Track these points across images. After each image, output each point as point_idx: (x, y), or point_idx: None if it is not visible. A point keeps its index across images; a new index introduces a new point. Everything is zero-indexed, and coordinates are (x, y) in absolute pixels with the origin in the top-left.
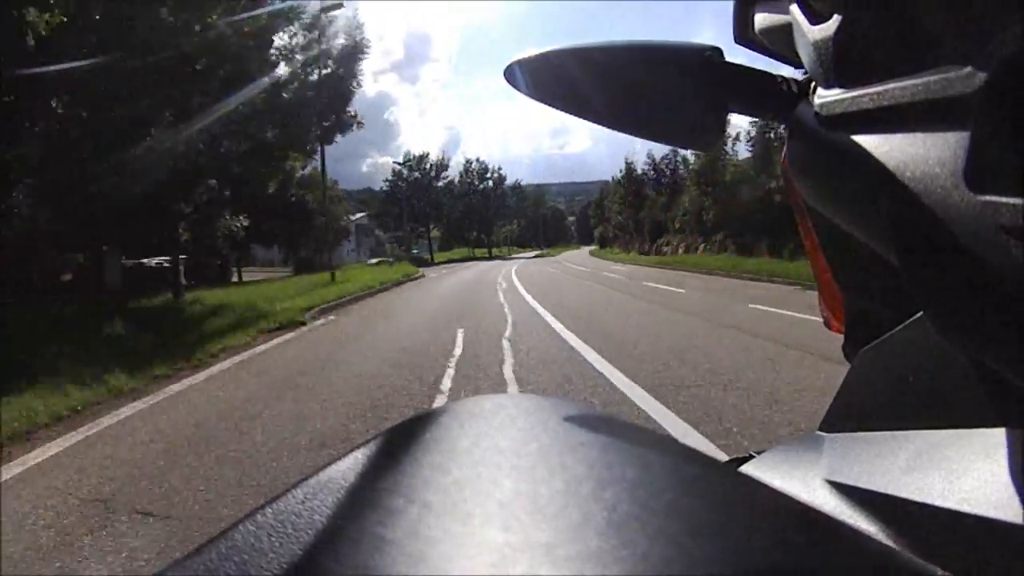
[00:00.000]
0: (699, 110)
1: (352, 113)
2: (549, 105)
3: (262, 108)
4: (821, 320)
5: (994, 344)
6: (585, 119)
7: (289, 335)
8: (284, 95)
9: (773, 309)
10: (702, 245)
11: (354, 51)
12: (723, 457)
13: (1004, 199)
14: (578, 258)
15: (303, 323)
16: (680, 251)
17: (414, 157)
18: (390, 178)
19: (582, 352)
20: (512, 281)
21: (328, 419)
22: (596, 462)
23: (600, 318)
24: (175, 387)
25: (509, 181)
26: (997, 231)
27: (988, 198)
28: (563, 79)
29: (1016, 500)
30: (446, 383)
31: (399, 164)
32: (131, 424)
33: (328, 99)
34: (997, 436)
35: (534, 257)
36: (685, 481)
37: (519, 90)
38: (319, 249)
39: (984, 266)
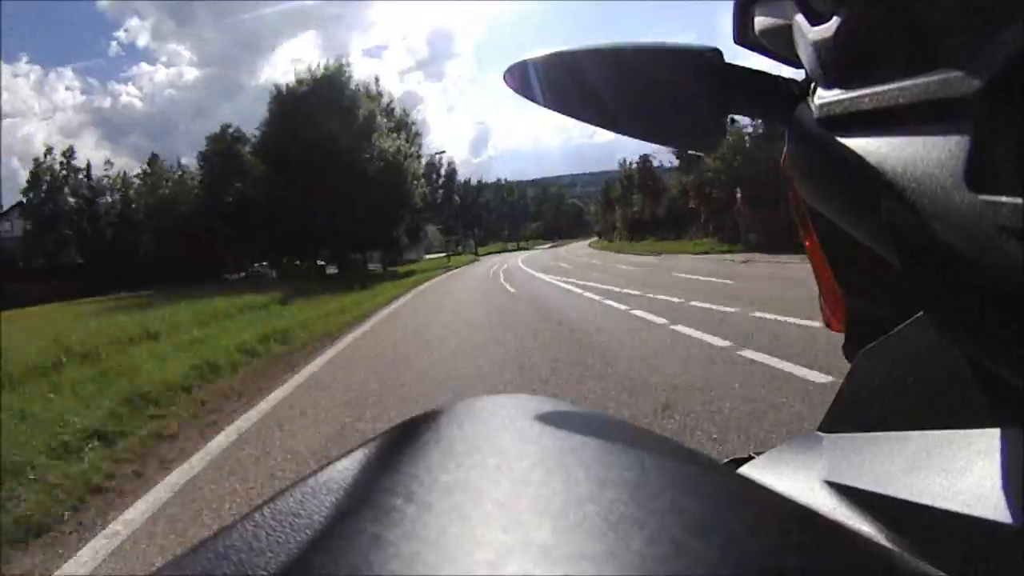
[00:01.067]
0: (699, 112)
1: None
2: (547, 108)
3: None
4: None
5: (994, 344)
6: (583, 121)
7: (460, 268)
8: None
9: (582, 259)
10: (623, 236)
11: (453, 171)
12: (722, 458)
13: (1004, 199)
14: (573, 247)
15: (462, 267)
16: (617, 240)
17: (461, 184)
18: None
19: (526, 268)
20: (518, 258)
21: (490, 270)
22: (595, 463)
23: (535, 263)
24: (439, 276)
25: (541, 173)
26: (997, 231)
27: (988, 198)
28: (561, 82)
29: (1016, 502)
30: (501, 268)
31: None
32: (432, 285)
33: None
34: (997, 436)
35: (548, 248)
36: (684, 482)
37: (518, 93)
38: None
39: (984, 266)
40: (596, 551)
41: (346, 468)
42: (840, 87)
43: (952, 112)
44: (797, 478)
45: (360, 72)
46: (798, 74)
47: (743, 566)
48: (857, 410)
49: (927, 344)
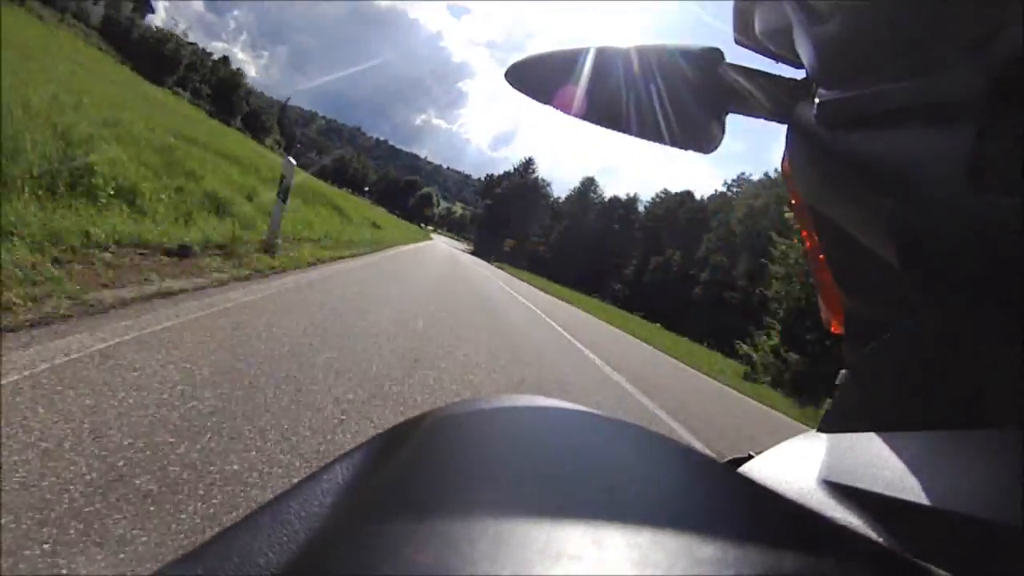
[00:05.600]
0: (700, 111)
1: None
2: (548, 106)
3: None
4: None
5: (994, 344)
6: (586, 120)
7: (447, 237)
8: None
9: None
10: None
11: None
12: (722, 458)
13: (1005, 199)
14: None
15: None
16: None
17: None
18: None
19: (454, 242)
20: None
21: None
22: (596, 462)
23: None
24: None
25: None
26: (998, 231)
27: (989, 198)
28: (564, 81)
29: (1015, 501)
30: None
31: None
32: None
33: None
34: (997, 436)
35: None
36: (684, 481)
37: (520, 92)
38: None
39: (985, 266)
40: (596, 550)
41: (345, 469)
42: (840, 87)
43: (953, 112)
44: (797, 478)
45: (432, 22)
46: (798, 74)
47: (743, 565)
48: (857, 410)
49: (926, 344)
